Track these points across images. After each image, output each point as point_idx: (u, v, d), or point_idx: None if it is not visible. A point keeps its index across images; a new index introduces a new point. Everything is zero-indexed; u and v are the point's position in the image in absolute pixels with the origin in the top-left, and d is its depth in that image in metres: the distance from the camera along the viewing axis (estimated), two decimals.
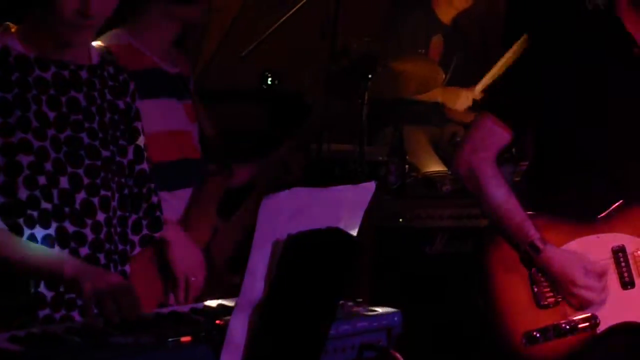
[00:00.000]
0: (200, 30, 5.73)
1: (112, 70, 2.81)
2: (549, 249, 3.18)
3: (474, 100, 5.74)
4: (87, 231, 2.66)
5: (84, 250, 2.65)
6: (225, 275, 3.51)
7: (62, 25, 2.58)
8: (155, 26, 3.50)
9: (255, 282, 2.11)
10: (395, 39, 5.67)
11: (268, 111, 5.99)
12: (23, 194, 2.57)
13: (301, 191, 2.14)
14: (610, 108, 3.24)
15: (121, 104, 2.81)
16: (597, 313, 3.19)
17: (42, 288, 2.61)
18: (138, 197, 2.85)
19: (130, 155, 2.82)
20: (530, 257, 3.18)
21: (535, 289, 3.20)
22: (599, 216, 3.24)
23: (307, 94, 5.28)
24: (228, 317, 2.13)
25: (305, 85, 5.12)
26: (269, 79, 5.51)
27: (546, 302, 3.20)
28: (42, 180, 2.60)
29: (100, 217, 2.68)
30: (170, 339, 2.09)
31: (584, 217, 3.24)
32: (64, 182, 2.63)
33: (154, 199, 2.89)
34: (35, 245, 2.56)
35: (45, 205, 2.60)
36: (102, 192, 2.69)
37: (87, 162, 2.67)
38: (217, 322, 2.20)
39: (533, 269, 3.20)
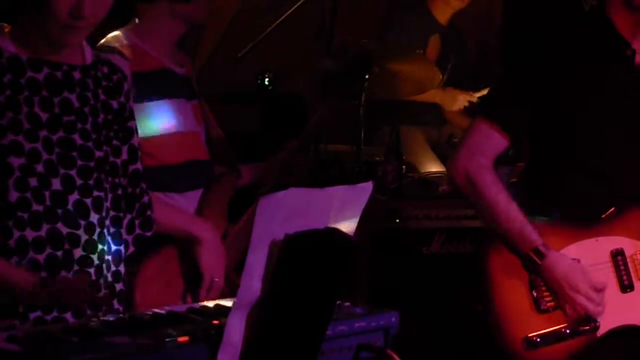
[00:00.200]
0: (197, 31, 5.73)
1: (106, 70, 2.79)
2: (552, 254, 3.17)
3: (471, 103, 5.75)
4: (81, 232, 2.65)
5: (78, 252, 2.64)
6: (237, 279, 3.50)
7: (56, 27, 2.57)
8: (159, 26, 3.48)
9: (253, 282, 2.11)
10: (392, 39, 5.68)
11: (264, 112, 5.99)
12: (13, 196, 2.57)
13: (298, 191, 2.14)
14: (606, 110, 3.24)
15: (115, 104, 2.79)
16: (596, 317, 3.19)
17: None
18: (132, 197, 2.84)
19: (124, 155, 2.81)
20: (533, 262, 3.17)
21: (535, 294, 3.19)
22: (597, 219, 3.24)
23: (305, 94, 5.29)
24: (225, 318, 2.13)
25: (301, 86, 5.12)
26: (266, 80, 5.52)
27: (546, 307, 3.19)
28: (33, 182, 2.59)
29: (94, 217, 2.67)
30: (167, 339, 2.09)
31: (583, 220, 3.24)
32: (56, 183, 2.62)
33: (145, 198, 2.88)
34: None
35: (37, 207, 2.59)
36: (95, 193, 2.68)
37: (79, 163, 2.66)
38: (215, 322, 2.20)
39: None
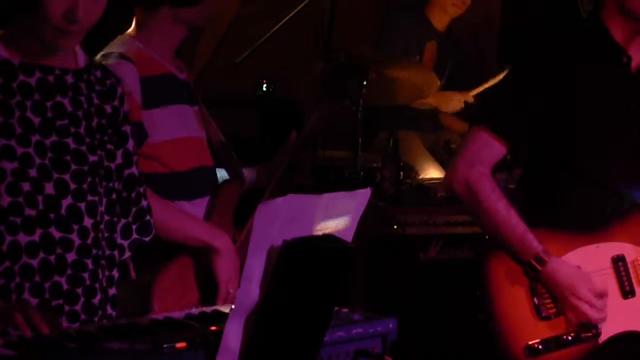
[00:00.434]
0: (193, 37, 5.73)
1: (100, 74, 2.77)
2: (553, 261, 3.16)
3: (466, 103, 5.75)
4: (74, 237, 2.63)
5: (71, 256, 2.62)
6: None
7: (48, 30, 2.54)
8: (162, 31, 3.43)
9: (251, 288, 2.11)
10: (389, 46, 5.68)
11: (262, 118, 5.99)
12: (5, 200, 2.55)
13: (296, 198, 2.14)
14: (606, 116, 3.24)
15: (109, 108, 2.76)
16: (598, 323, 3.19)
17: (26, 294, 2.57)
18: (127, 201, 2.82)
19: (119, 160, 2.79)
20: (534, 269, 3.16)
21: (536, 301, 3.18)
22: (597, 226, 3.23)
23: (303, 99, 5.29)
24: (223, 324, 2.13)
25: (300, 91, 5.12)
26: (264, 85, 5.53)
27: (547, 314, 3.18)
28: (26, 186, 2.57)
29: (87, 222, 2.65)
30: (165, 345, 2.09)
31: (583, 227, 3.23)
32: (49, 188, 2.60)
33: (144, 203, 2.86)
34: None
35: (30, 211, 2.57)
36: (89, 197, 2.66)
37: (73, 167, 2.64)
38: (212, 328, 2.20)
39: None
